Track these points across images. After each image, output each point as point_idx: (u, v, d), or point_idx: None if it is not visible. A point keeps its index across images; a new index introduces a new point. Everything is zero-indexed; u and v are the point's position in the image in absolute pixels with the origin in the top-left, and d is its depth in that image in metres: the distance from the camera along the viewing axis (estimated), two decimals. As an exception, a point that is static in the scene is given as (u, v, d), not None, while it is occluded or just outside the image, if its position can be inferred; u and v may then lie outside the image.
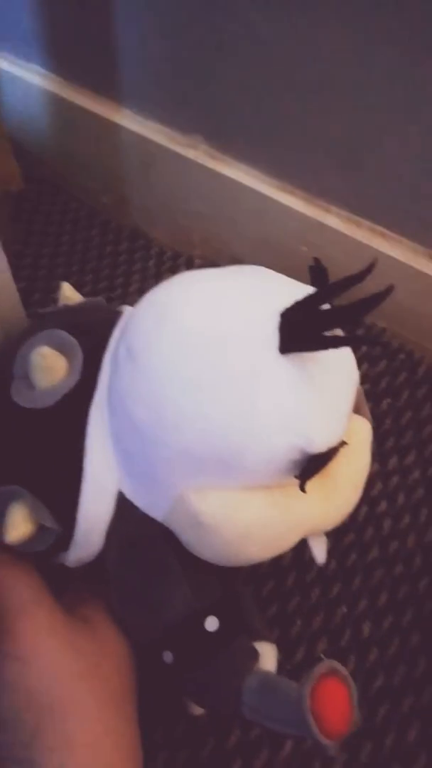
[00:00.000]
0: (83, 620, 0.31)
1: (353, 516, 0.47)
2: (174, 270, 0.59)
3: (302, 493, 0.28)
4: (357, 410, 0.32)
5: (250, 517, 0.27)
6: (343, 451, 0.28)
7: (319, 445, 0.26)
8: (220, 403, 0.25)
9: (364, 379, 0.52)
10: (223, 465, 0.26)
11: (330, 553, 0.44)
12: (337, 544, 0.46)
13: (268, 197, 0.52)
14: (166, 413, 0.26)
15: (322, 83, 0.44)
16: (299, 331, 0.26)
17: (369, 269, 0.25)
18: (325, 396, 0.27)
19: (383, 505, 0.48)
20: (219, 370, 0.25)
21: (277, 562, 0.44)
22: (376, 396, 0.52)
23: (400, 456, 0.50)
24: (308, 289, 0.29)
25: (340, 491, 0.31)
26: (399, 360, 0.53)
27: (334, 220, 0.51)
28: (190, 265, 0.60)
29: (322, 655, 0.41)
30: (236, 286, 0.28)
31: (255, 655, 0.31)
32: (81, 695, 0.28)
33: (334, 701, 0.26)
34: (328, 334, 0.25)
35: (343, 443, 0.28)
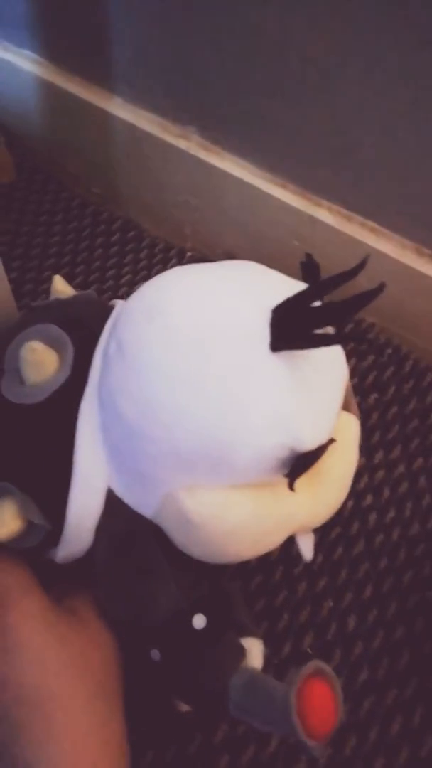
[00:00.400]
0: (71, 612, 0.31)
1: (340, 509, 0.47)
2: (165, 262, 0.59)
3: (290, 491, 0.28)
4: (346, 407, 0.32)
5: (238, 516, 0.28)
6: (331, 448, 0.29)
7: (309, 444, 0.27)
8: (210, 401, 0.26)
9: (352, 374, 0.52)
10: (213, 463, 0.27)
11: (317, 546, 0.45)
12: (324, 537, 0.46)
13: (260, 190, 0.52)
14: (155, 410, 0.26)
15: (315, 78, 0.45)
16: (290, 329, 0.26)
17: (361, 265, 0.25)
18: (315, 394, 0.27)
19: (369, 499, 0.48)
20: (209, 368, 0.26)
21: (264, 556, 0.44)
22: (363, 390, 0.52)
23: (386, 450, 0.50)
24: (300, 286, 0.29)
25: (328, 488, 0.31)
26: (386, 355, 0.54)
27: (325, 214, 0.51)
28: (181, 258, 0.60)
29: (309, 650, 0.42)
30: (227, 282, 0.28)
31: (242, 652, 0.31)
32: (69, 689, 0.28)
33: (319, 702, 0.26)
34: (319, 331, 0.26)
35: (331, 441, 0.29)
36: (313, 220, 0.51)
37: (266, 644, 0.33)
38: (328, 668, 0.27)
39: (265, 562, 0.45)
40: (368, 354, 0.54)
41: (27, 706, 0.27)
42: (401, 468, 0.50)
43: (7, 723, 0.27)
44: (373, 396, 0.52)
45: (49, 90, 0.58)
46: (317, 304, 0.26)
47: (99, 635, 0.31)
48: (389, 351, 0.54)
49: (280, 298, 0.26)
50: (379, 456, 0.50)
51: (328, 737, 0.27)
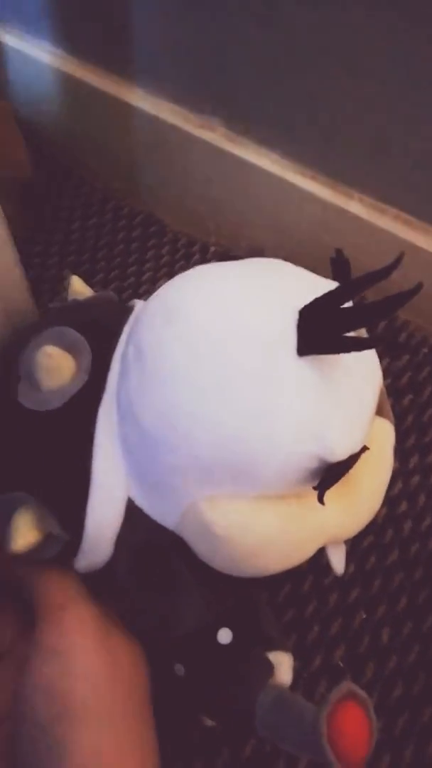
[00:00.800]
0: (116, 625, 0.30)
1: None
2: (188, 258, 0.58)
3: (320, 503, 0.27)
4: (379, 411, 0.31)
5: (264, 529, 0.26)
6: (364, 456, 0.27)
7: (340, 454, 0.25)
8: (234, 409, 0.24)
9: (385, 374, 0.51)
10: (237, 473, 0.25)
11: (348, 556, 0.43)
12: (356, 547, 0.45)
13: (287, 182, 0.50)
14: (177, 419, 0.25)
15: (345, 68, 0.43)
16: (319, 332, 0.24)
17: (396, 263, 0.24)
18: (346, 401, 0.26)
19: (404, 506, 0.46)
20: (232, 374, 0.24)
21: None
22: (397, 392, 0.51)
23: (422, 454, 0.48)
24: (329, 285, 0.27)
25: (361, 499, 0.30)
26: (422, 354, 0.52)
27: (357, 206, 0.49)
28: (204, 253, 0.58)
29: (340, 663, 0.40)
30: (251, 282, 0.27)
31: (270, 668, 0.30)
32: (117, 706, 0.27)
33: (351, 727, 0.25)
34: (350, 334, 0.24)
35: (364, 448, 0.27)
36: (343, 213, 0.49)
37: (296, 657, 0.32)
38: (361, 691, 0.26)
39: (294, 571, 0.43)
40: (403, 353, 0.52)
41: (75, 723, 0.26)
42: (437, 472, 0.48)
43: (52, 738, 0.26)
44: (408, 397, 0.51)
45: (67, 82, 0.57)
46: (348, 304, 0.25)
47: (138, 650, 0.30)
48: (425, 350, 0.52)
49: (308, 299, 0.25)
50: (414, 460, 0.48)
51: (362, 763, 0.26)
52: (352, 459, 0.26)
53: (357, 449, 0.26)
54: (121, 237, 0.59)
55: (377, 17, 0.40)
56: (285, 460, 0.25)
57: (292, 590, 0.43)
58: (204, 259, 0.58)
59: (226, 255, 0.58)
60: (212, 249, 0.59)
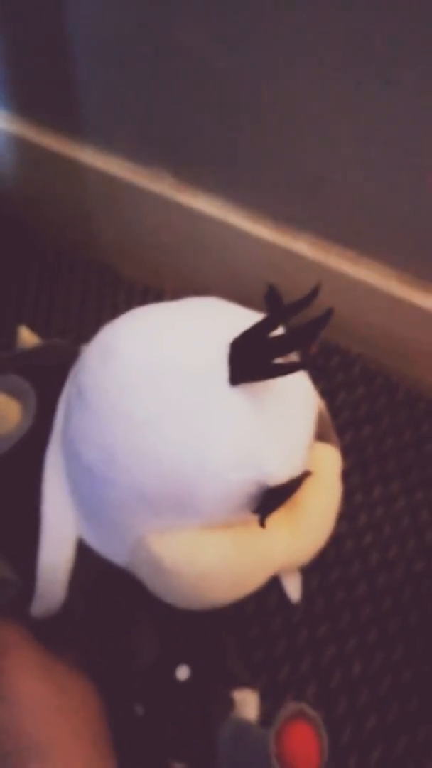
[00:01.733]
0: (64, 662, 0.31)
1: (339, 550, 0.47)
2: (143, 304, 0.60)
3: (269, 528, 0.28)
4: (323, 437, 0.32)
5: (211, 558, 0.27)
6: (308, 481, 0.29)
7: (277, 477, 0.26)
8: (170, 440, 0.26)
9: (343, 406, 0.52)
10: (179, 504, 0.26)
11: (316, 591, 0.44)
12: (324, 581, 0.45)
13: (235, 227, 0.53)
14: (116, 453, 0.26)
15: (284, 115, 0.46)
16: (248, 360, 0.26)
17: (314, 294, 0.25)
18: (280, 425, 0.27)
19: (369, 537, 0.47)
20: (166, 406, 0.26)
21: (262, 604, 0.44)
22: (356, 423, 0.52)
23: (384, 484, 0.50)
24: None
25: (309, 524, 0.31)
26: (377, 385, 0.54)
27: (303, 246, 0.52)
28: (159, 300, 0.60)
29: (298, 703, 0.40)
30: (185, 319, 0.28)
31: (230, 704, 0.30)
32: (65, 736, 0.28)
33: (300, 744, 0.26)
34: (279, 361, 0.26)
35: (307, 473, 0.28)
36: (290, 254, 0.52)
37: (268, 696, 0.32)
38: (310, 710, 0.27)
39: (262, 611, 0.44)
40: (358, 385, 0.54)
41: (26, 755, 0.27)
42: (401, 502, 0.49)
43: None
44: (367, 428, 0.52)
45: (18, 143, 0.59)
46: (278, 333, 0.26)
47: (90, 685, 0.31)
48: (380, 381, 0.54)
49: (240, 332, 0.27)
50: (377, 491, 0.50)
51: None
52: (294, 483, 0.28)
53: (296, 473, 0.27)
54: (78, 287, 0.61)
55: (299, 63, 0.43)
56: (224, 487, 0.26)
57: (261, 630, 0.43)
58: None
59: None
60: (167, 296, 0.61)
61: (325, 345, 0.54)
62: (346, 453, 0.53)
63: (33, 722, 0.27)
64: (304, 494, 0.30)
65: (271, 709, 0.40)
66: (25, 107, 0.59)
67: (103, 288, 0.61)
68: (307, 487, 0.29)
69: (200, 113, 0.49)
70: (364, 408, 0.53)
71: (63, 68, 0.53)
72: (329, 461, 0.32)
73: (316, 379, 0.40)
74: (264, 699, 0.33)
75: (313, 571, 0.45)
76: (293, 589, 0.32)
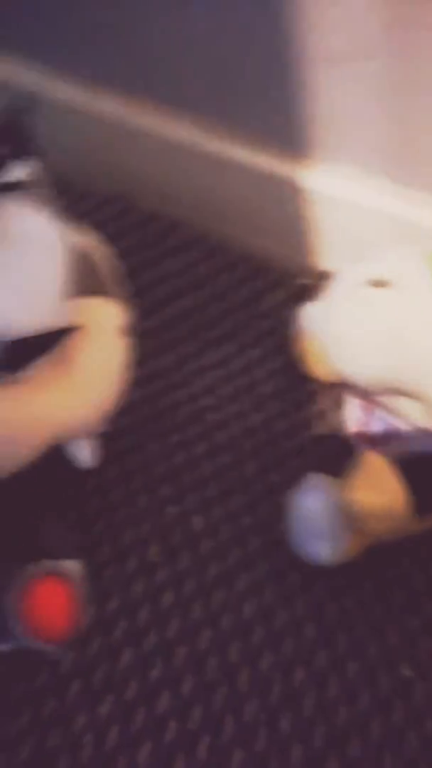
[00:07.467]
0: None
1: (175, 416, 0.48)
2: None
3: (37, 387, 0.29)
4: (99, 292, 0.32)
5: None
6: (79, 337, 0.29)
7: (16, 330, 0.27)
8: None
9: (167, 276, 0.53)
10: None
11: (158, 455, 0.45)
12: (164, 446, 0.47)
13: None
14: None
15: None
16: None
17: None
18: (18, 280, 0.27)
19: (206, 401, 0.49)
20: None
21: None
22: (182, 290, 0.53)
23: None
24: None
25: (83, 381, 0.31)
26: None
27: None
28: None
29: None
30: None
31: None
32: None
33: (46, 600, 0.26)
34: None
35: (70, 328, 0.29)
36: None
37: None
38: (68, 569, 0.28)
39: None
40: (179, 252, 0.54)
41: None
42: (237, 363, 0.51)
43: None
44: (194, 294, 0.53)
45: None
46: None
47: None
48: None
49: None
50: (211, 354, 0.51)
51: (68, 636, 0.27)
52: (47, 337, 0.28)
53: (44, 326, 0.28)
54: None
55: None
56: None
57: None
58: None
59: None
60: None
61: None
62: (175, 321, 0.54)
63: None
64: (76, 350, 0.30)
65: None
66: None
67: None
68: (80, 342, 0.29)
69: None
70: (189, 275, 0.54)
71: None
72: (104, 316, 0.33)
73: (108, 237, 0.40)
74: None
75: (154, 436, 0.47)
76: (84, 454, 0.33)
